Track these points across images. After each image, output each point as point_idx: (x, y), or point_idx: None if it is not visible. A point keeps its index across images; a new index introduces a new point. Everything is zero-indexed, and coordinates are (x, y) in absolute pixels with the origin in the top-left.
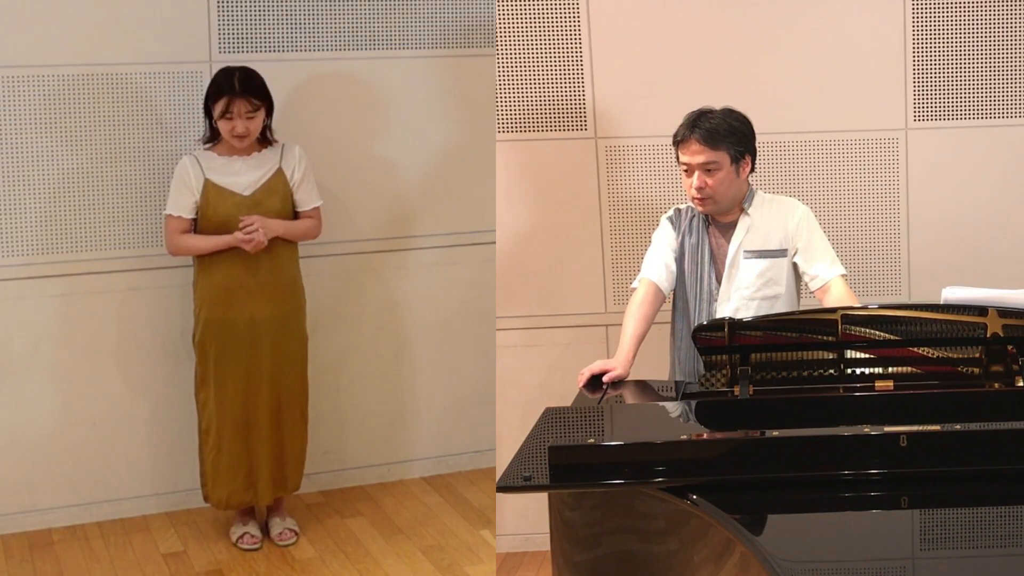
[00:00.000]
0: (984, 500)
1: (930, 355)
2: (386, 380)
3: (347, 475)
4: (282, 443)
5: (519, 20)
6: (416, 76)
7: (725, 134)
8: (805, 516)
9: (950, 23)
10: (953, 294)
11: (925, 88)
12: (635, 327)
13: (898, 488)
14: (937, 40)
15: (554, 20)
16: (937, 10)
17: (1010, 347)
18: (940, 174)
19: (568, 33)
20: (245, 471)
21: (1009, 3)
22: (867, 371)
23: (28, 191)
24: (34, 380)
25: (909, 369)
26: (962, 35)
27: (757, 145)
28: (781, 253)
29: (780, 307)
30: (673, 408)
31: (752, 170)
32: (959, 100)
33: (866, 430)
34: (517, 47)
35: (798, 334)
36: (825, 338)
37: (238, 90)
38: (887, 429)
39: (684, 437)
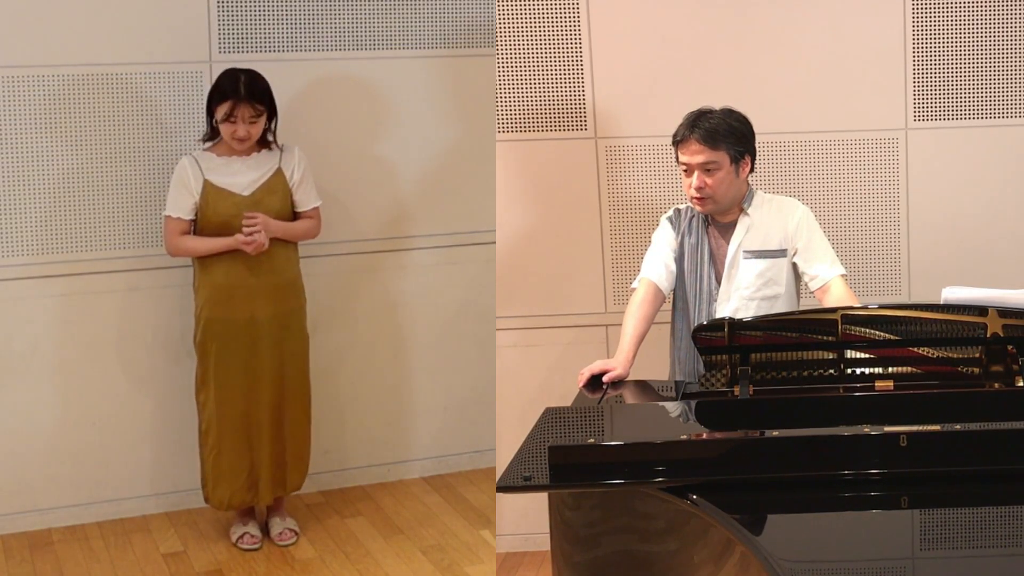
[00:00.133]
0: (984, 500)
1: (930, 355)
2: (386, 380)
3: (347, 475)
4: (284, 442)
5: (519, 20)
6: (416, 76)
7: (725, 134)
8: (805, 516)
9: (950, 23)
10: (953, 294)
11: (925, 88)
12: (635, 327)
13: (898, 488)
14: (937, 40)
15: (554, 20)
16: (937, 10)
17: (1010, 347)
18: (940, 174)
19: (568, 33)
20: (246, 471)
21: (1009, 3)
22: (867, 371)
23: (28, 191)
24: (34, 380)
25: (909, 369)
26: (962, 35)
27: (757, 145)
28: (781, 253)
29: (780, 307)
30: (673, 408)
31: (752, 170)
32: (959, 100)
33: (866, 430)
34: (517, 47)
35: (798, 334)
36: (825, 338)
37: (243, 94)
38: (887, 429)
39: (684, 437)
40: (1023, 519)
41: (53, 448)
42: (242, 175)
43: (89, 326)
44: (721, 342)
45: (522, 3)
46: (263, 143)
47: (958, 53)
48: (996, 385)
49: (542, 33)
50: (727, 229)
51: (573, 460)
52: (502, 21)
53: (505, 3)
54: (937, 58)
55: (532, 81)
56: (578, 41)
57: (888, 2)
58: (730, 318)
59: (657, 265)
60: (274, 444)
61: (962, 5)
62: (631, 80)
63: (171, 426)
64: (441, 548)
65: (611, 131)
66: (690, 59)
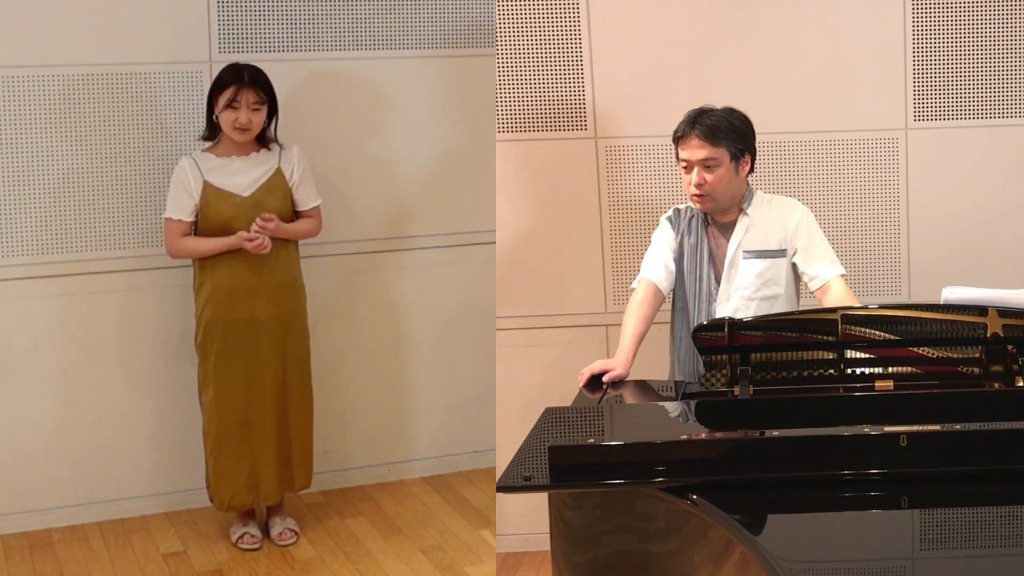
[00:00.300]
0: (984, 500)
1: (930, 355)
2: (386, 380)
3: (347, 475)
4: (288, 442)
5: (519, 20)
6: (416, 76)
7: (726, 131)
8: (805, 516)
9: (950, 23)
10: (953, 294)
11: (925, 88)
12: (635, 327)
13: (898, 488)
14: (937, 40)
15: (554, 20)
16: (937, 10)
17: (1010, 347)
18: (940, 174)
19: (568, 33)
20: (247, 473)
21: (1009, 3)
22: (867, 371)
23: (28, 191)
24: (34, 380)
25: (909, 369)
26: (962, 35)
27: (757, 145)
28: (780, 253)
29: (779, 307)
30: (673, 408)
31: (751, 170)
32: (959, 100)
33: (866, 430)
34: (517, 47)
35: (798, 334)
36: (825, 338)
37: (246, 80)
38: (887, 429)
39: (684, 437)
40: (1023, 519)
41: (53, 448)
42: (242, 175)
43: (89, 326)
44: (721, 342)
45: (522, 3)
46: (262, 141)
47: (958, 53)
48: (996, 385)
49: (542, 33)
50: (727, 229)
51: (573, 460)
52: (502, 21)
53: (505, 3)
54: (937, 58)
55: (532, 81)
56: (578, 41)
57: (888, 2)
58: (730, 318)
59: (657, 265)
60: (278, 444)
61: (962, 5)
62: (631, 80)
63: (171, 426)
64: (441, 548)
65: (611, 131)
66: (690, 59)
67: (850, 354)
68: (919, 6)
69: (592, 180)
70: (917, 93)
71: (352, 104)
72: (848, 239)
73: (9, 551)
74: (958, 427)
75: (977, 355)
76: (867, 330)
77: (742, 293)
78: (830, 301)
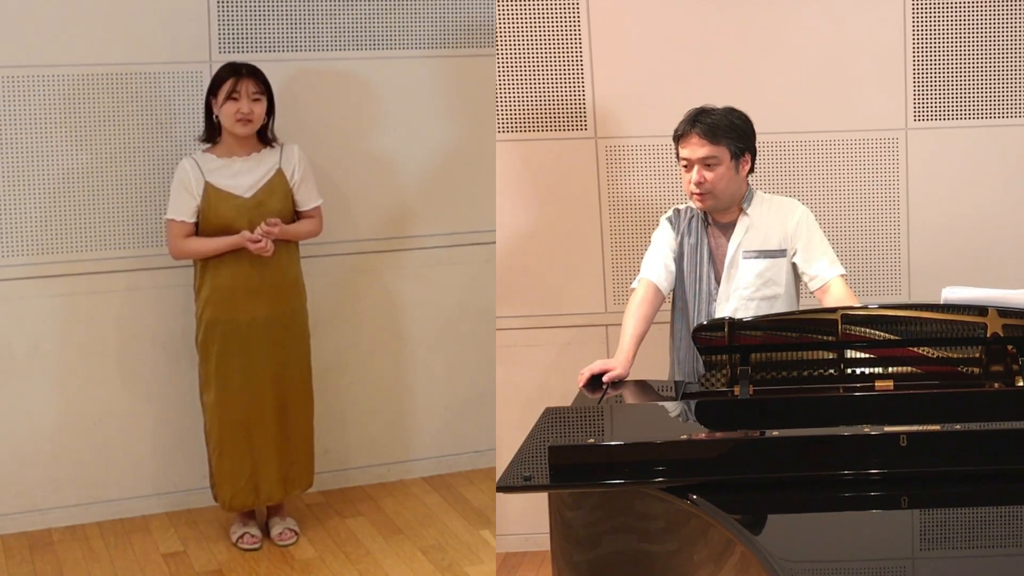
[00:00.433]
0: (984, 500)
1: (930, 355)
2: (386, 380)
3: (347, 475)
4: (288, 443)
5: (519, 20)
6: (416, 76)
7: (726, 129)
8: (805, 516)
9: (950, 23)
10: (953, 294)
11: (925, 88)
12: (635, 327)
13: (898, 488)
14: (937, 40)
15: (554, 20)
16: (937, 10)
17: (1010, 347)
18: (940, 174)
19: (568, 33)
20: (248, 473)
21: (1009, 3)
22: (867, 371)
23: (29, 191)
24: (34, 380)
25: (909, 369)
26: (962, 35)
27: (757, 145)
28: (780, 253)
29: (779, 307)
30: (673, 408)
31: (752, 170)
32: (959, 100)
33: (866, 430)
34: (517, 47)
35: (798, 334)
36: (825, 338)
37: (244, 72)
38: (887, 429)
39: (684, 437)
40: (1023, 519)
41: (53, 448)
42: (243, 176)
43: (90, 326)
44: (721, 342)
45: (522, 3)
46: (262, 141)
47: (958, 53)
48: (996, 385)
49: (542, 33)
50: (727, 229)
51: (573, 460)
52: (502, 21)
53: (505, 3)
54: (937, 58)
55: (532, 81)
56: (578, 41)
57: (888, 2)
58: (730, 318)
59: (656, 265)
60: (279, 444)
61: (962, 5)
62: (631, 80)
63: (171, 426)
64: (441, 548)
65: (611, 131)
66: (690, 59)
67: (850, 354)
68: (919, 6)
69: (592, 180)
70: (917, 93)
71: (352, 104)
72: (848, 239)
73: (9, 551)
74: (958, 427)
75: (977, 355)
76: (867, 330)
77: (742, 293)
78: (830, 301)
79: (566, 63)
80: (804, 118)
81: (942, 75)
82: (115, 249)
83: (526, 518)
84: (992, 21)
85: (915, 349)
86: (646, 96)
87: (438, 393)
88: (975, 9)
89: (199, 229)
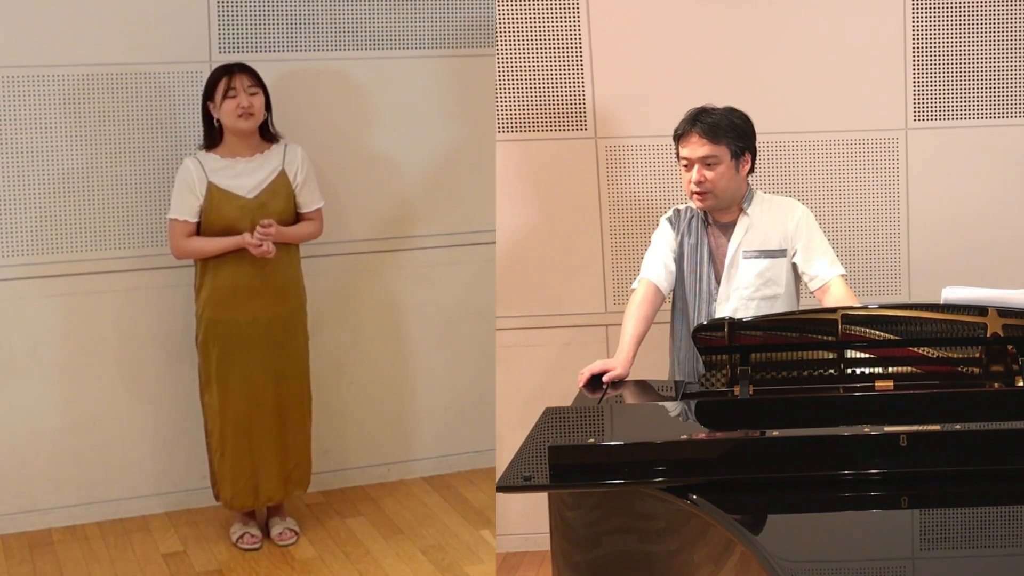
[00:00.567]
0: (984, 500)
1: (930, 355)
2: (386, 380)
3: (347, 475)
4: (287, 442)
5: (519, 20)
6: (416, 76)
7: (726, 129)
8: (805, 516)
9: (950, 23)
10: (953, 294)
11: (925, 88)
12: (635, 327)
13: (898, 488)
14: (937, 40)
15: (554, 20)
16: (937, 10)
17: (1010, 347)
18: (940, 174)
19: (568, 33)
20: (248, 473)
21: (1009, 3)
22: (867, 371)
23: (28, 191)
24: (34, 380)
25: (909, 369)
26: (962, 35)
27: (757, 145)
28: (780, 253)
29: (779, 307)
30: (673, 408)
31: (752, 170)
32: (959, 100)
33: (866, 430)
34: (517, 47)
35: (798, 334)
36: (825, 338)
37: (236, 69)
38: (887, 429)
39: (684, 437)
40: (1023, 519)
41: (53, 448)
42: (246, 177)
43: (90, 326)
44: (721, 342)
45: (522, 3)
46: (265, 139)
47: (958, 53)
48: (996, 385)
49: (542, 33)
50: (727, 229)
51: (573, 460)
52: (502, 21)
53: (505, 3)
54: (937, 58)
55: (532, 81)
56: (578, 41)
57: (888, 2)
58: (730, 318)
59: (657, 265)
60: (278, 445)
61: (962, 5)
62: (631, 80)
63: (171, 426)
64: (441, 548)
65: (611, 131)
66: (690, 59)
67: (850, 354)
68: (919, 6)
69: (592, 180)
70: (917, 93)
71: (352, 104)
72: (848, 239)
73: (9, 551)
74: (958, 427)
75: (977, 355)
76: (867, 330)
77: (742, 293)
78: (830, 301)
79: (566, 63)
80: (804, 118)
81: (942, 75)
82: (115, 249)
83: (526, 518)
84: (992, 21)
85: (915, 349)
86: (646, 96)
87: (438, 393)
88: (975, 9)
89: (201, 229)
